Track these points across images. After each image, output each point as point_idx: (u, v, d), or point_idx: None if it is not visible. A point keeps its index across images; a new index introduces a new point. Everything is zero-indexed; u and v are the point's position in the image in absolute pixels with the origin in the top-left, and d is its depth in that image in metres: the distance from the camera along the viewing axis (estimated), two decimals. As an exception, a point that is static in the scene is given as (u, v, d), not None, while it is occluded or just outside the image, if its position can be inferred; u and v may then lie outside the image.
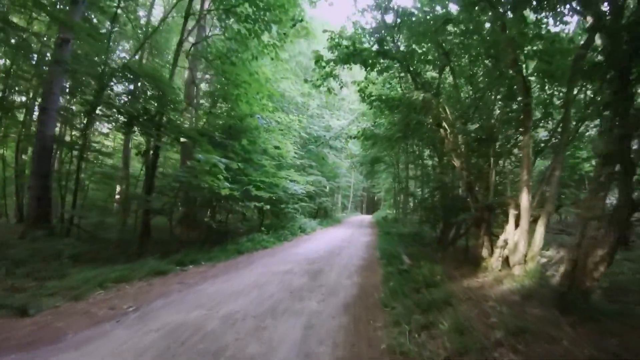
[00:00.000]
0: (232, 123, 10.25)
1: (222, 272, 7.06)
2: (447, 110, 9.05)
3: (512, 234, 7.57)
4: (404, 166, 19.81)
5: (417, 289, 6.03)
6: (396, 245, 11.73)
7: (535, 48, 7.59)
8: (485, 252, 8.51)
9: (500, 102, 8.66)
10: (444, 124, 9.26)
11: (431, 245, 12.68)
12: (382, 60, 9.35)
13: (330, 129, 22.53)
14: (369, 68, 9.36)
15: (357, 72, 12.16)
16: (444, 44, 8.63)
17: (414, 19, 8.42)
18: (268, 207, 10.01)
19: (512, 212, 7.65)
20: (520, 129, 8.28)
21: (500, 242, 8.13)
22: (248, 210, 9.87)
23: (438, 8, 8.66)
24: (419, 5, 9.09)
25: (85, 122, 10.44)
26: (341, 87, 9.90)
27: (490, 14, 6.84)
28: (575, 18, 8.23)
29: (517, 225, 7.40)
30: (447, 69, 9.28)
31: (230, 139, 10.35)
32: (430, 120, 9.78)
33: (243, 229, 11.46)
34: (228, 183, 8.44)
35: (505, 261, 7.76)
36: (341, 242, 12.59)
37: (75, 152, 10.16)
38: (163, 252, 8.00)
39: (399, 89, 10.78)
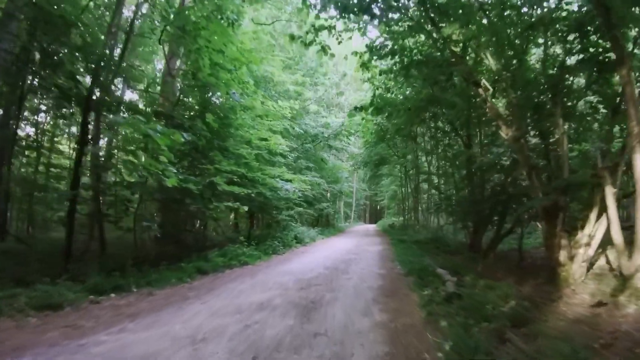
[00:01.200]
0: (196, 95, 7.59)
1: (154, 307, 4.28)
2: (490, 57, 6.38)
3: (615, 224, 4.89)
4: (422, 155, 16.80)
5: (498, 333, 3.23)
6: (419, 255, 8.91)
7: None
8: (563, 256, 5.74)
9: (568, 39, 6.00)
10: (483, 81, 6.60)
11: (461, 253, 9.88)
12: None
13: (329, 127, 19.86)
14: (375, 21, 6.74)
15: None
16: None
17: None
18: (245, 208, 7.23)
19: (610, 191, 4.97)
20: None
21: (583, 239, 5.53)
22: (217, 213, 7.14)
23: None
24: None
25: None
26: (339, 42, 7.23)
27: None
28: None
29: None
30: None
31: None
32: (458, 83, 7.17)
33: (213, 240, 8.66)
34: (175, 169, 5.68)
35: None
36: (347, 253, 9.74)
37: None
38: (102, 270, 5.55)
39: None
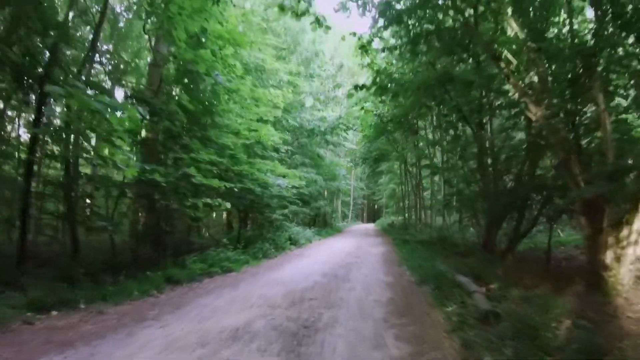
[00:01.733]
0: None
1: (98, 331, 3.23)
2: (512, 24, 5.35)
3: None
4: (425, 147, 15.65)
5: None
6: (428, 258, 7.89)
7: None
8: (609, 258, 4.75)
9: None
10: (505, 53, 5.58)
11: (473, 254, 8.86)
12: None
13: (326, 120, 18.76)
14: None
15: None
16: None
17: None
18: (228, 205, 6.12)
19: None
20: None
21: (632, 237, 4.60)
22: (195, 211, 6.05)
23: None
24: None
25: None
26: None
27: None
28: None
29: None
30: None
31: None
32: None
33: (199, 242, 7.57)
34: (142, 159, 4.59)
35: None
36: (347, 256, 8.68)
37: None
38: (63, 278, 4.69)
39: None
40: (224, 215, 14.96)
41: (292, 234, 11.14)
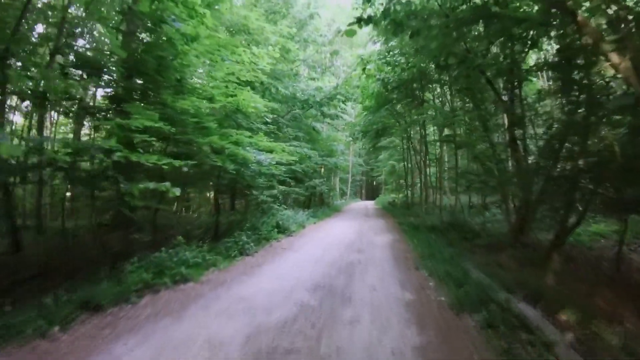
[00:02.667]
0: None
1: None
2: None
3: None
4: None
5: None
6: (449, 254, 6.22)
7: None
8: None
9: None
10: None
11: (503, 247, 7.22)
12: None
13: (322, 90, 16.59)
14: None
15: None
16: None
17: None
18: (177, 192, 4.27)
19: None
20: None
21: None
22: (134, 199, 4.25)
23: None
24: None
25: None
26: None
27: None
28: None
29: None
30: None
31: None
32: None
33: (145, 237, 5.79)
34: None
35: None
36: (346, 250, 6.97)
37: None
38: None
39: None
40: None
41: (281, 220, 9.38)
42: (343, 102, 16.73)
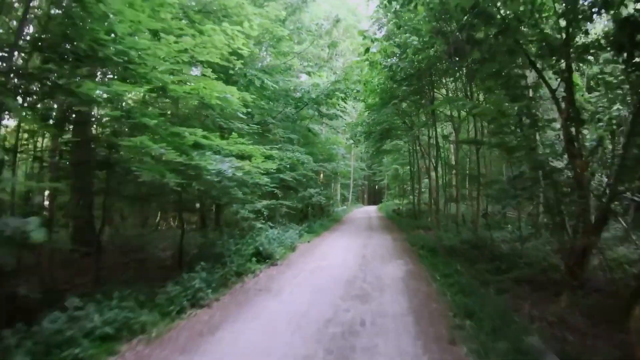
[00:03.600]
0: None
1: None
2: None
3: None
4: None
5: None
6: (499, 310, 4.19)
7: None
8: None
9: None
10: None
11: (549, 285, 5.27)
12: None
13: (319, 87, 14.61)
14: None
15: None
16: None
17: None
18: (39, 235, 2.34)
19: None
20: None
21: None
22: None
23: None
24: None
25: None
26: None
27: None
28: None
29: None
30: None
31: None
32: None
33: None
34: None
35: None
36: (344, 294, 4.94)
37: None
38: None
39: None
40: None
41: (262, 244, 7.34)
42: (343, 99, 14.77)
